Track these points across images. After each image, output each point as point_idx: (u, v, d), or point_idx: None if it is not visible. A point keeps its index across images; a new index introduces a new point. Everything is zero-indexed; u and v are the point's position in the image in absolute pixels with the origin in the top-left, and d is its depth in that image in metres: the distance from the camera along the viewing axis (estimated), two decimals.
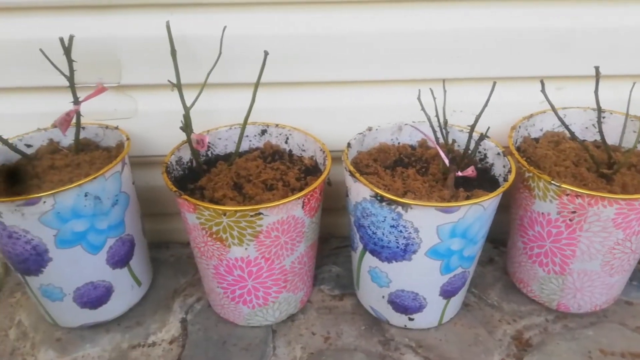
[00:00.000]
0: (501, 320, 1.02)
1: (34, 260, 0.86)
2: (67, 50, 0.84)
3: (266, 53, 0.84)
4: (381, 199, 0.80)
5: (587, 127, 1.06)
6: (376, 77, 1.02)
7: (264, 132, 1.04)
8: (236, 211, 0.80)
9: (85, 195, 0.83)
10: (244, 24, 0.95)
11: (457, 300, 0.97)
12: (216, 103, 1.03)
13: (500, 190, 0.80)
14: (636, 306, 1.04)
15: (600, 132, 0.91)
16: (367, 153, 0.97)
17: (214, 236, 0.84)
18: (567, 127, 0.89)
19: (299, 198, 0.82)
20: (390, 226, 0.82)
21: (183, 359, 0.94)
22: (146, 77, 1.00)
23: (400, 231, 0.82)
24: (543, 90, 0.85)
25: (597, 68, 0.85)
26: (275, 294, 0.94)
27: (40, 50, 0.85)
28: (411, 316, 0.95)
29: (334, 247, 1.22)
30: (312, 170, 0.97)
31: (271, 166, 0.97)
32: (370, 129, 0.98)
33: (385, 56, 0.99)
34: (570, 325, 1.00)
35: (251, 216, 0.80)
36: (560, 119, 0.89)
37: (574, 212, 0.85)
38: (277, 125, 1.03)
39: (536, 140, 1.02)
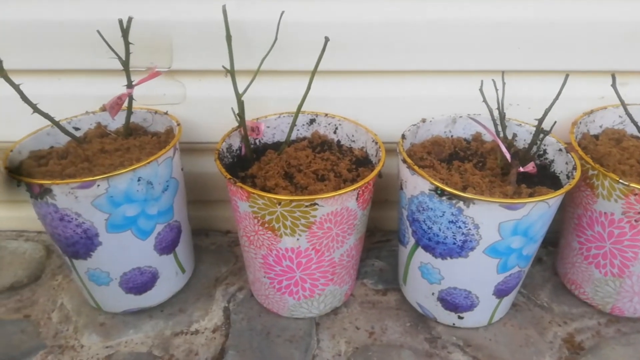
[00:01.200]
0: (551, 321, 0.98)
1: (83, 244, 0.85)
2: (125, 32, 0.82)
3: (327, 39, 0.81)
4: (441, 193, 0.77)
5: None
6: (429, 67, 0.99)
7: (312, 121, 1.02)
8: (291, 200, 0.78)
9: (139, 180, 0.81)
10: (299, 10, 0.93)
11: (508, 300, 0.94)
12: (263, 90, 1.01)
13: (568, 187, 0.77)
14: None
15: None
16: (420, 145, 0.94)
17: (266, 225, 0.83)
18: (637, 125, 0.85)
19: (354, 189, 0.80)
20: (449, 221, 0.79)
21: (227, 348, 0.93)
22: (196, 63, 0.98)
23: (459, 227, 0.79)
24: (614, 85, 0.81)
25: None
26: (322, 286, 0.92)
27: (98, 32, 0.84)
28: (461, 314, 0.93)
29: (376, 240, 1.20)
30: (362, 161, 0.94)
31: (321, 156, 0.94)
32: (424, 120, 0.96)
33: (440, 46, 0.96)
34: (624, 329, 0.96)
35: (306, 206, 0.78)
36: (630, 116, 0.85)
37: None
38: (326, 115, 1.01)
39: (595, 137, 0.98)
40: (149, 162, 0.81)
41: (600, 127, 1.01)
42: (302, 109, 1.00)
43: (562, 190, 0.76)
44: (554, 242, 1.11)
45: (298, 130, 1.03)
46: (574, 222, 0.95)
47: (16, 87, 0.80)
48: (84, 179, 0.77)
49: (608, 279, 0.93)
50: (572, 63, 0.97)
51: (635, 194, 0.80)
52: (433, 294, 0.92)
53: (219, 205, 1.19)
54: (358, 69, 1.00)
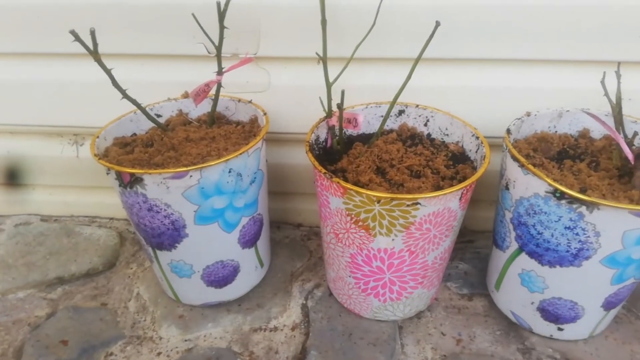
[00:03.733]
0: None
1: (169, 235, 0.83)
2: (222, 16, 0.78)
3: (437, 23, 0.75)
4: (560, 196, 0.70)
5: None
6: (532, 57, 0.91)
7: (401, 112, 0.96)
8: (392, 199, 0.72)
9: (229, 172, 0.78)
10: None
11: (614, 313, 0.87)
12: (350, 79, 0.94)
13: None
14: None
15: None
16: (525, 142, 0.87)
17: (360, 224, 0.78)
18: None
19: (459, 189, 0.74)
20: (565, 227, 0.72)
21: (308, 348, 0.89)
22: (282, 49, 0.93)
23: (577, 234, 0.72)
24: None
25: None
26: (410, 289, 0.87)
27: (192, 15, 0.81)
28: (561, 326, 0.86)
29: (458, 241, 1.13)
30: (459, 157, 0.88)
31: (413, 150, 0.89)
32: (528, 114, 0.88)
33: (547, 33, 0.88)
34: None
35: (407, 205, 0.73)
36: None
37: None
38: (417, 106, 0.95)
39: None
40: (240, 154, 0.77)
41: None
42: (387, 99, 0.95)
43: None
44: None
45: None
46: None
47: (108, 72, 0.77)
48: (176, 169, 0.73)
49: None
50: None
51: None
52: (532, 303, 0.85)
53: (293, 197, 1.15)
54: (452, 57, 0.93)
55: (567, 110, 0.89)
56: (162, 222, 0.80)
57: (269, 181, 1.09)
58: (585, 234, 0.71)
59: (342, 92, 0.78)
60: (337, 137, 0.88)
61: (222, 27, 0.79)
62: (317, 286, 1.02)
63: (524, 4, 0.86)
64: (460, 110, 0.94)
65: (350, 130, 0.96)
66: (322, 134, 0.90)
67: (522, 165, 0.74)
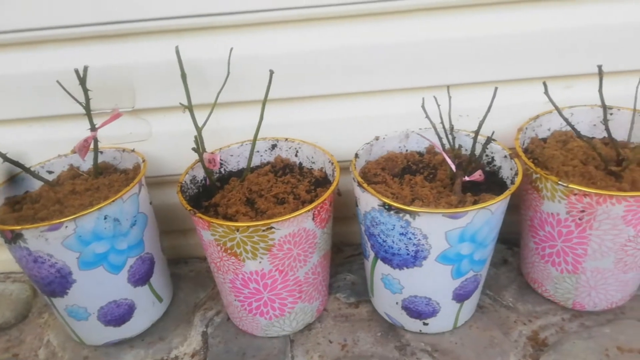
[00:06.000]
0: (517, 321, 1.02)
1: (58, 283, 0.90)
2: (82, 81, 0.88)
3: (271, 72, 0.86)
4: (389, 208, 0.82)
5: (595, 125, 1.05)
6: (380, 87, 1.04)
7: (274, 146, 1.07)
8: (248, 226, 0.82)
9: (105, 218, 0.86)
10: (250, 44, 0.98)
11: (471, 304, 0.98)
12: (226, 121, 1.06)
13: (507, 193, 0.81)
14: None
15: (607, 129, 0.91)
16: (375, 162, 0.99)
17: (229, 251, 0.87)
18: (572, 126, 0.89)
19: (309, 210, 0.84)
20: (400, 234, 0.83)
21: None
22: (159, 101, 1.03)
23: (410, 238, 0.83)
24: (546, 92, 0.86)
25: (600, 67, 0.85)
26: (291, 305, 0.96)
27: (57, 82, 0.90)
28: (425, 321, 0.96)
29: (348, 255, 1.24)
30: (322, 181, 0.99)
31: (282, 180, 0.99)
32: (377, 138, 1.00)
33: (387, 66, 1.01)
34: (587, 323, 1.00)
35: (263, 231, 0.83)
36: (564, 118, 0.89)
37: (582, 211, 0.85)
38: (286, 140, 1.06)
39: (544, 140, 1.03)
40: (113, 201, 0.86)
41: (549, 130, 1.05)
42: (264, 136, 1.06)
43: (501, 197, 0.81)
44: (518, 243, 1.15)
45: (261, 155, 1.08)
46: (528, 223, 0.99)
47: None
48: (51, 222, 0.81)
49: (565, 275, 0.96)
50: (515, 72, 1.02)
51: (575, 194, 0.84)
52: (397, 303, 0.95)
53: (195, 233, 1.23)
54: (313, 94, 1.05)
55: (413, 131, 1.02)
56: (48, 271, 0.87)
57: (170, 220, 1.17)
58: (415, 237, 0.83)
59: (196, 138, 0.88)
60: (216, 175, 0.98)
61: (85, 90, 0.89)
62: (218, 313, 1.10)
63: (361, 44, 0.99)
64: (326, 140, 1.06)
65: (230, 167, 1.06)
66: (200, 173, 1.00)
67: (359, 184, 0.85)
